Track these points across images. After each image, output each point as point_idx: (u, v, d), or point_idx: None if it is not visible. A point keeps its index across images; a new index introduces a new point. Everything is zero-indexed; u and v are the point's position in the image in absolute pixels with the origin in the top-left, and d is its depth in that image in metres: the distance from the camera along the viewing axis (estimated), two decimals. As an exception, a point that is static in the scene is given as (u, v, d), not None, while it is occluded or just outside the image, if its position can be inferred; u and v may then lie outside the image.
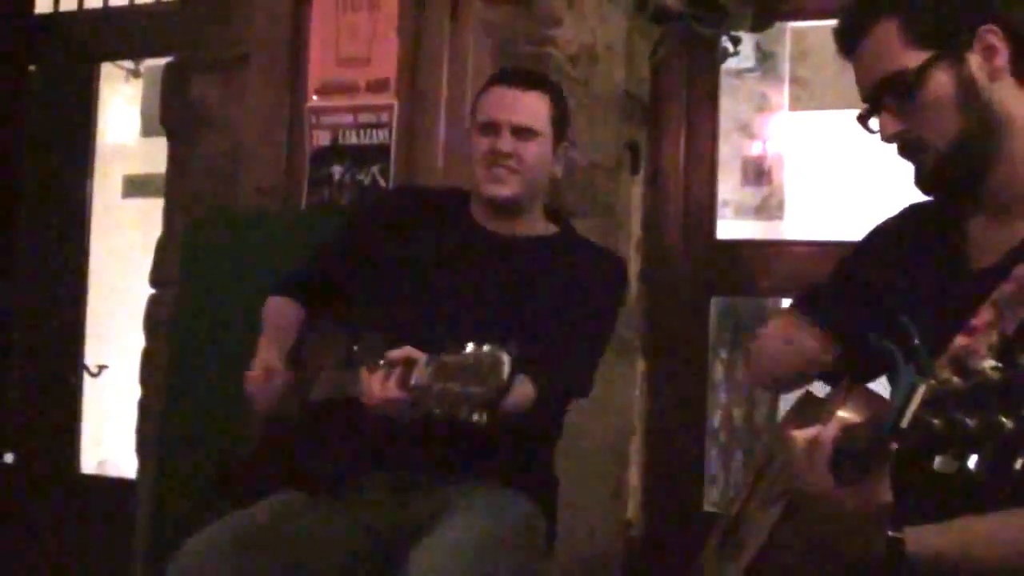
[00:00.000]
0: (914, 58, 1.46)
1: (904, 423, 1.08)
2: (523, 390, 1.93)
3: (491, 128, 2.20)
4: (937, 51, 1.46)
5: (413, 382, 1.76)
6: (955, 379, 1.06)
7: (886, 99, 1.49)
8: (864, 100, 1.53)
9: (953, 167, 1.47)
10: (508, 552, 1.96)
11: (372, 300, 2.21)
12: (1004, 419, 1.02)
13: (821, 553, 1.35)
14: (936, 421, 1.06)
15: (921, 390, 1.08)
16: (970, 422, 1.03)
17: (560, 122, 2.25)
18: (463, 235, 2.24)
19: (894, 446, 1.12)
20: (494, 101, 2.23)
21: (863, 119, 1.53)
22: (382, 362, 1.85)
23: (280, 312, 2.31)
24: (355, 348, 2.09)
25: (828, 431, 1.26)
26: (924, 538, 1.32)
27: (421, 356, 1.77)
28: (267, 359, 2.19)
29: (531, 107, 2.21)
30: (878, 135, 1.52)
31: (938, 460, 1.06)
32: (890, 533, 1.30)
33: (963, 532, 1.34)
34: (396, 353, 1.83)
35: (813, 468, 1.27)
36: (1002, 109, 1.46)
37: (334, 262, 2.32)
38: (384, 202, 2.53)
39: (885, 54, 1.48)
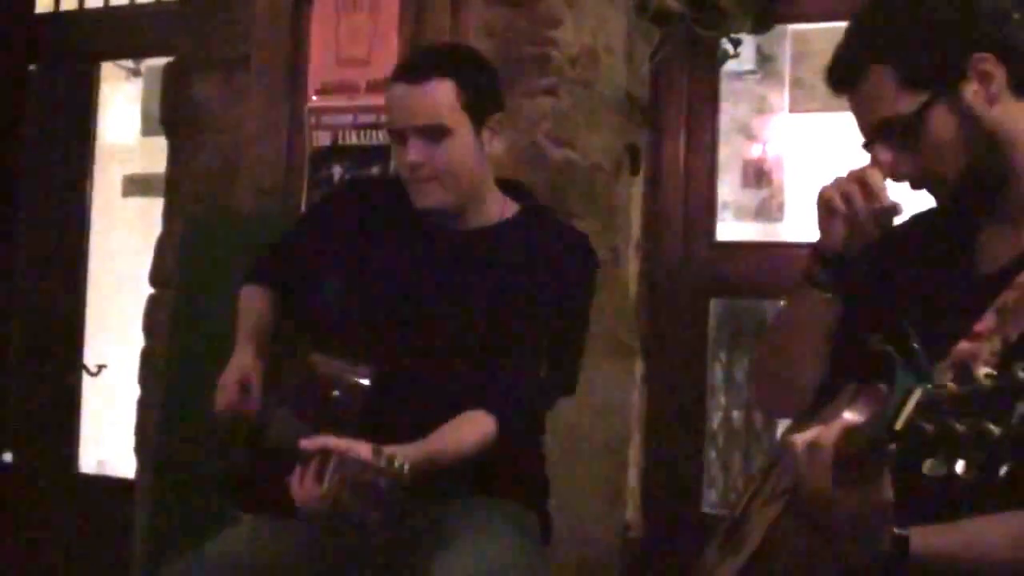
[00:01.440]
0: (910, 102, 1.45)
1: (898, 426, 1.08)
2: (477, 427, 1.88)
3: (396, 136, 1.97)
4: (933, 91, 1.44)
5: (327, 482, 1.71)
6: (950, 384, 1.07)
7: (889, 141, 1.49)
8: (863, 136, 1.52)
9: (967, 194, 1.48)
10: (521, 565, 1.93)
11: (324, 311, 2.07)
12: (992, 426, 1.03)
13: (820, 552, 1.35)
14: (928, 425, 1.06)
15: (917, 394, 1.08)
16: (960, 427, 1.04)
17: (477, 101, 1.95)
18: (410, 236, 2.05)
19: (894, 447, 1.12)
20: (392, 103, 1.96)
21: (868, 147, 1.52)
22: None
23: (255, 304, 2.18)
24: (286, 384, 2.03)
25: (829, 433, 1.26)
26: (927, 537, 1.32)
27: (337, 446, 1.72)
28: (240, 368, 2.06)
29: (431, 101, 1.91)
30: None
31: (927, 464, 1.06)
32: (896, 531, 1.30)
33: (966, 532, 1.34)
34: (308, 443, 1.75)
35: (814, 470, 1.26)
36: (1006, 129, 1.46)
37: (299, 254, 2.18)
38: (331, 204, 2.25)
39: (881, 99, 1.47)
